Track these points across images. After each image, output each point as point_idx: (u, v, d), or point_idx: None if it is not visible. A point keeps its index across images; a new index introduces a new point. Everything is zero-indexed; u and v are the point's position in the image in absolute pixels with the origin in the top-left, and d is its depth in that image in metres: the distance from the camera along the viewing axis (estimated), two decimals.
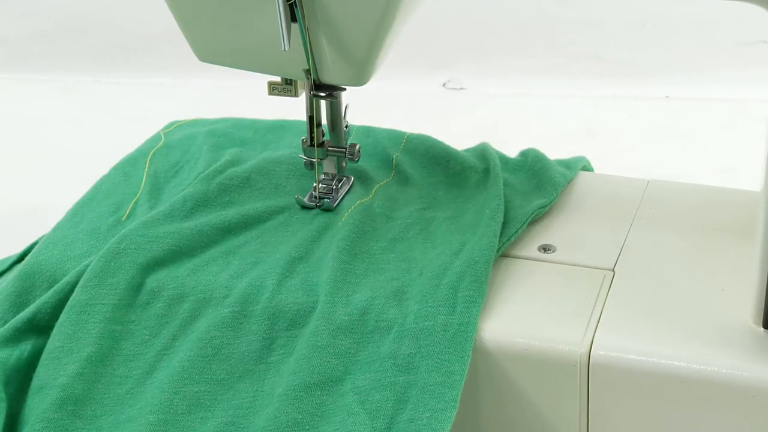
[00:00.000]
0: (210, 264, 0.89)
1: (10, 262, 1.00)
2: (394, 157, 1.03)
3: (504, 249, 0.91)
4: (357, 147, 0.96)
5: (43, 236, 0.96)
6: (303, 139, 0.96)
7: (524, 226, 0.93)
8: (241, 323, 0.85)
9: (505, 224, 0.92)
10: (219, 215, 0.93)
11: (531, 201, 0.96)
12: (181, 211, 0.93)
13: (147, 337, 0.85)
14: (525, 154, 1.03)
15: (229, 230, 0.92)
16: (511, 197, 0.96)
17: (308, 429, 0.78)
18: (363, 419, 0.79)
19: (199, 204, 0.94)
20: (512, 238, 0.91)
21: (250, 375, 0.82)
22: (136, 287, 0.87)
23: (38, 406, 0.81)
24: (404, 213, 0.95)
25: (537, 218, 0.95)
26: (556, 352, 0.80)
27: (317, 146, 0.96)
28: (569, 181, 1.00)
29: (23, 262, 0.93)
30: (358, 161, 0.97)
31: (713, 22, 1.58)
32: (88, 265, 0.88)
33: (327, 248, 0.90)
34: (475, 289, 0.84)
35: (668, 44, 1.59)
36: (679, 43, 1.59)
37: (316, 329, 0.83)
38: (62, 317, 0.85)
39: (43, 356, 0.84)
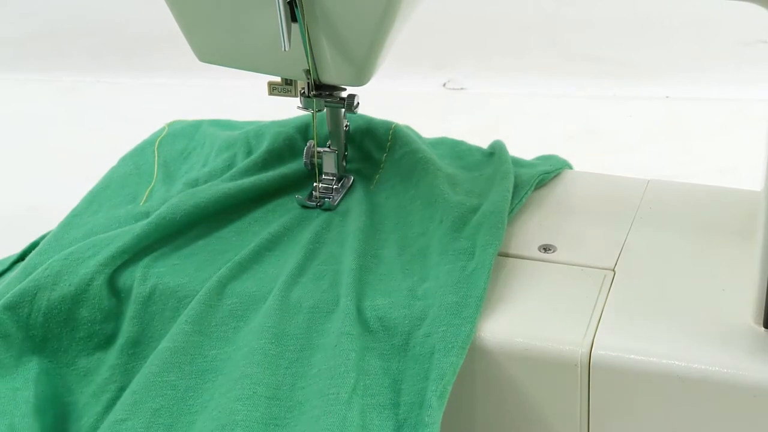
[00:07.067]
0: (252, 224, 0.93)
1: (10, 261, 1.00)
2: (392, 126, 1.05)
3: (516, 211, 0.94)
4: (355, 98, 0.97)
5: (48, 232, 0.96)
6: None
7: (533, 187, 0.97)
8: (276, 255, 0.89)
9: (515, 188, 0.96)
10: (258, 177, 0.97)
11: (537, 168, 1.00)
12: (221, 174, 0.98)
13: (192, 270, 0.88)
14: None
15: (267, 193, 0.96)
16: (518, 169, 1.00)
17: (333, 347, 0.81)
18: (381, 336, 0.82)
19: (237, 171, 0.98)
20: (524, 200, 0.95)
21: (277, 289, 0.85)
22: (184, 247, 0.91)
23: (108, 359, 0.86)
24: (421, 147, 0.99)
25: (543, 183, 0.99)
26: (556, 352, 0.80)
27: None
28: (570, 166, 1.04)
29: (44, 241, 0.94)
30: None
31: (713, 22, 1.58)
32: (113, 238, 0.90)
33: (361, 200, 0.95)
34: (491, 235, 0.88)
35: (668, 44, 1.59)
36: (679, 43, 1.59)
37: (341, 261, 0.87)
38: (109, 277, 0.88)
39: (98, 314, 0.87)
